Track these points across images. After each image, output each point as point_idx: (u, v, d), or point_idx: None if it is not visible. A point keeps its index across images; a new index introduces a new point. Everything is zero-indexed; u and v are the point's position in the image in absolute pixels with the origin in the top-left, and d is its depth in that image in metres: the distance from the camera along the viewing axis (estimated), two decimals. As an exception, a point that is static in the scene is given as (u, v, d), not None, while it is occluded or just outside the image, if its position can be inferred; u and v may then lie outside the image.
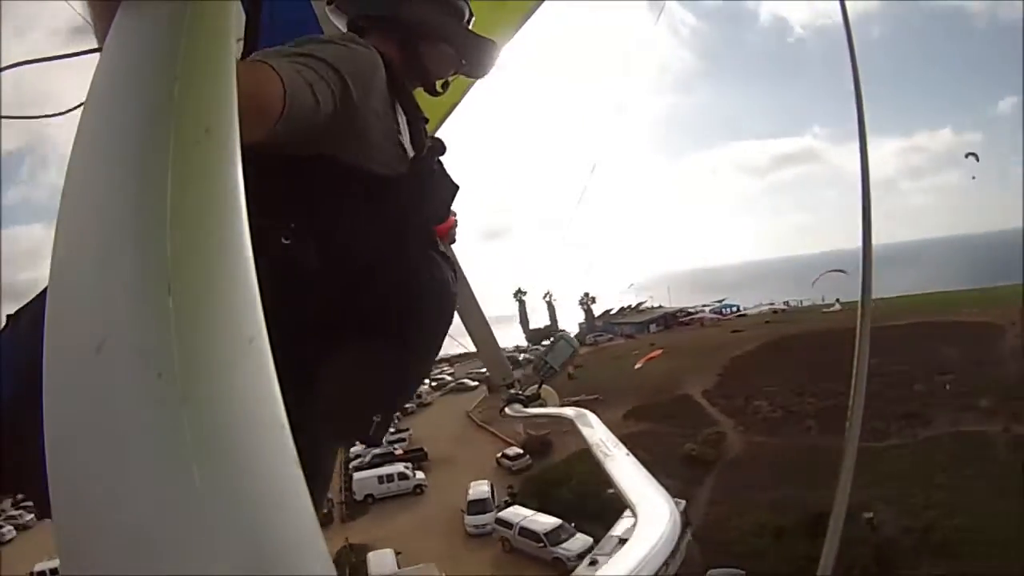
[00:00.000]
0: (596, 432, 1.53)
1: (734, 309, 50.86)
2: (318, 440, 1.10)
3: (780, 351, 32.56)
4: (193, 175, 0.37)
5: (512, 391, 2.71)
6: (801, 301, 47.98)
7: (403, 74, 1.15)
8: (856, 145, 1.41)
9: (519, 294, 42.91)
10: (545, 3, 2.16)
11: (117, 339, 0.32)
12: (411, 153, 1.10)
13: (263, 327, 0.35)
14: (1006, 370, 25.12)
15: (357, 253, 0.98)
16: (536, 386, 2.65)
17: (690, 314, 50.47)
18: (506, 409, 2.63)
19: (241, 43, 1.32)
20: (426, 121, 1.19)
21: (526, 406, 2.60)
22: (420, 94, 1.26)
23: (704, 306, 54.00)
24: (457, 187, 1.19)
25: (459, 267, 1.71)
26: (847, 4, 1.49)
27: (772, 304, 49.37)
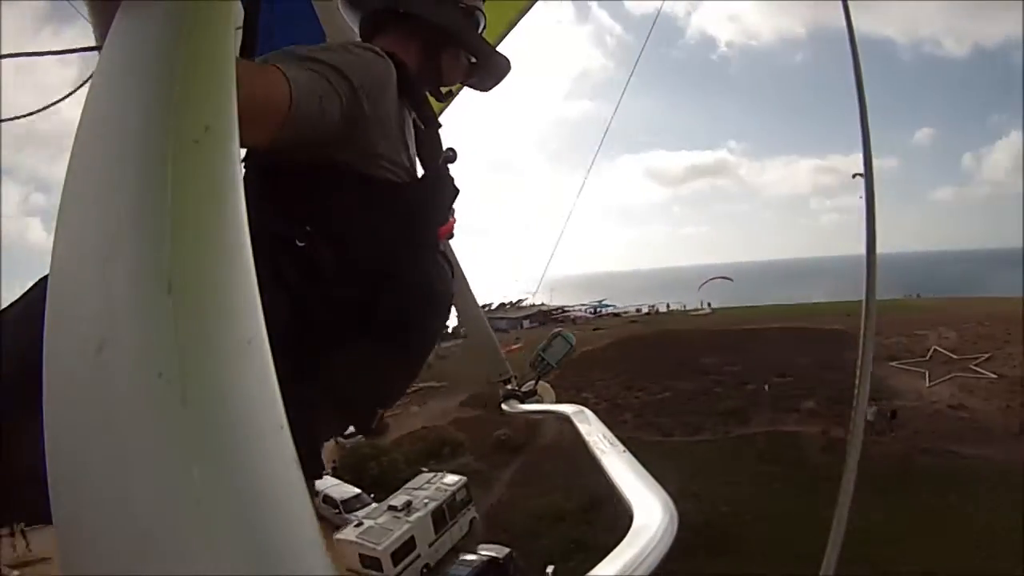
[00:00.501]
0: (592, 429, 1.54)
1: (609, 309, 52.13)
2: (322, 429, 1.14)
3: (627, 348, 33.10)
4: (193, 173, 0.37)
5: (509, 387, 2.71)
6: (684, 305, 49.04)
7: (416, 78, 1.13)
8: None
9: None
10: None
11: (117, 339, 0.32)
12: (418, 161, 1.10)
13: (263, 327, 0.35)
14: (844, 375, 25.14)
15: (371, 257, 1.00)
16: (533, 382, 2.65)
17: (565, 312, 51.68)
18: (503, 405, 2.62)
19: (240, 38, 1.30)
20: (439, 126, 1.18)
21: (523, 402, 2.60)
22: None
23: (583, 305, 55.71)
24: (458, 190, 1.19)
25: (457, 263, 1.72)
26: (850, 5, 1.49)
27: (653, 306, 50.60)
